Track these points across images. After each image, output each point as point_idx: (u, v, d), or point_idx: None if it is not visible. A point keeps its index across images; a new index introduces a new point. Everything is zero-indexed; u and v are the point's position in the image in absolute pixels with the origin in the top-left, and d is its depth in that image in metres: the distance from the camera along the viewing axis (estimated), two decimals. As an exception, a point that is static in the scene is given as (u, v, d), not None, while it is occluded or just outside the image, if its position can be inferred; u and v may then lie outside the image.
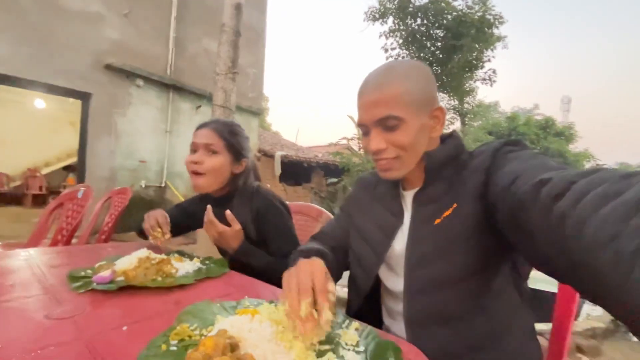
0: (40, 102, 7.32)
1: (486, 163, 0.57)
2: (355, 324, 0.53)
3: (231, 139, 1.00)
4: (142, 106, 4.95)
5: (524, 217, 0.41)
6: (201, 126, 1.01)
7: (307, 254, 0.67)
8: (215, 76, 3.32)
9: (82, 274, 0.74)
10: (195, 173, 0.96)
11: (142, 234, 1.11)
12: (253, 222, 0.98)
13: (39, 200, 7.45)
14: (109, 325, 0.52)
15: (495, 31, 9.29)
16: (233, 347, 0.40)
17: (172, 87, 5.24)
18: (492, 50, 9.59)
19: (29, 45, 3.89)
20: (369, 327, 0.52)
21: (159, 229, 0.96)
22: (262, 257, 0.95)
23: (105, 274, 0.70)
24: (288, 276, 0.52)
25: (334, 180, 7.56)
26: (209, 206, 0.92)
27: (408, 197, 0.69)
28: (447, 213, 0.60)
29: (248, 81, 6.54)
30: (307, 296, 0.45)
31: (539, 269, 0.44)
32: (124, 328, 0.51)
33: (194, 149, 0.98)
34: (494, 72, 9.98)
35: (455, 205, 0.59)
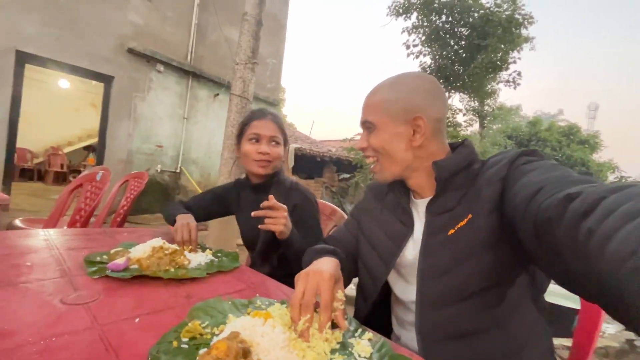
0: (64, 82, 7.51)
1: (502, 173, 0.56)
2: (369, 334, 0.52)
3: (285, 131, 1.09)
4: (161, 91, 5.01)
5: (548, 233, 0.39)
6: (261, 117, 1.05)
7: (321, 253, 0.68)
8: (235, 65, 3.30)
9: (98, 259, 0.75)
10: (264, 161, 1.03)
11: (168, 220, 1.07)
12: (291, 215, 0.95)
13: (60, 178, 7.71)
14: (122, 315, 0.53)
15: (524, 32, 8.90)
16: (245, 353, 0.39)
17: (192, 74, 5.28)
18: (518, 51, 9.21)
19: (56, 26, 3.97)
20: (383, 339, 0.51)
21: (190, 246, 0.90)
22: (300, 243, 0.90)
23: (120, 261, 0.71)
24: (297, 282, 0.54)
25: (346, 176, 7.52)
26: (271, 195, 0.85)
27: (420, 206, 0.68)
28: (461, 224, 0.58)
29: (267, 71, 6.53)
30: (307, 312, 0.49)
31: (563, 286, 0.42)
32: (136, 320, 0.51)
33: (257, 138, 1.03)
34: (519, 74, 9.59)
35: (470, 216, 0.58)
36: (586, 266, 0.33)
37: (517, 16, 8.65)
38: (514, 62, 9.34)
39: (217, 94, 5.71)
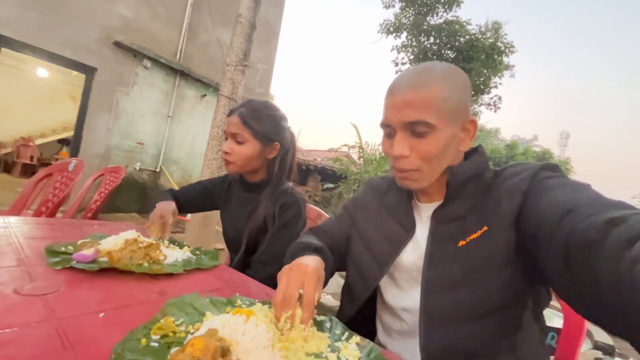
0: (42, 71, 7.18)
1: (523, 186, 0.53)
2: (357, 338, 0.49)
3: (257, 126, 0.94)
4: (146, 88, 4.87)
5: (584, 256, 0.36)
6: (232, 111, 0.97)
7: (306, 249, 0.64)
8: (225, 66, 3.26)
9: (62, 249, 0.69)
10: (224, 160, 0.97)
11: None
12: (278, 215, 0.94)
13: (28, 170, 7.26)
14: (84, 309, 0.47)
15: (505, 59, 9.40)
16: (224, 352, 0.35)
17: (180, 73, 5.17)
18: (499, 77, 9.68)
19: (37, 10, 3.79)
20: (371, 344, 0.48)
21: (160, 229, 0.88)
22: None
23: (88, 252, 0.64)
24: (280, 278, 0.51)
25: (330, 186, 7.50)
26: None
27: (425, 210, 0.64)
28: (474, 235, 0.55)
29: (257, 77, 6.50)
30: (288, 309, 0.46)
31: (585, 315, 0.39)
32: (101, 315, 0.46)
33: (226, 137, 0.98)
34: (500, 98, 10.06)
35: (485, 228, 0.54)
36: (622, 296, 0.32)
37: (499, 44, 9.12)
38: (495, 86, 9.80)
39: (205, 95, 5.62)
